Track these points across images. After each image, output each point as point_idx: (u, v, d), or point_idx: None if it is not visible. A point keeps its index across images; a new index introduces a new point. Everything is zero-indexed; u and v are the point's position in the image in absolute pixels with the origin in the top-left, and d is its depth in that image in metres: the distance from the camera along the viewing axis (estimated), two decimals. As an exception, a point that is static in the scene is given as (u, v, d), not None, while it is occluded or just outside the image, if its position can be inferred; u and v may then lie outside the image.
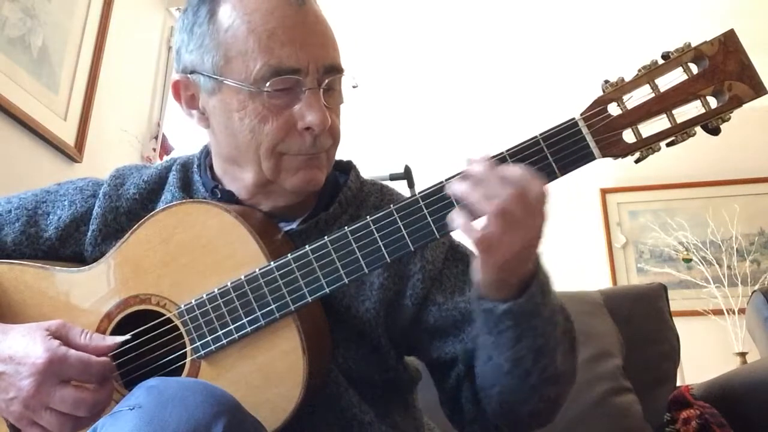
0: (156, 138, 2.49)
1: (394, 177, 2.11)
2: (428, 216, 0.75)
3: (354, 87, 0.89)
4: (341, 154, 1.01)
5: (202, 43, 0.85)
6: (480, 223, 0.70)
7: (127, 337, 0.80)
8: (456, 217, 0.71)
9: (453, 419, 0.92)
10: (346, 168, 0.98)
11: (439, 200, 0.75)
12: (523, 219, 0.69)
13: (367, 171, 1.09)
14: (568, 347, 0.82)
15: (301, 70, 0.82)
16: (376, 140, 3.71)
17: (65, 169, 2.03)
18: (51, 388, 0.72)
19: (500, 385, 0.81)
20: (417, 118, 3.88)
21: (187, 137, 2.61)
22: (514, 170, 0.70)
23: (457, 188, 0.72)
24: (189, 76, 0.88)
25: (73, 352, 0.73)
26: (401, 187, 1.87)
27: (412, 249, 0.76)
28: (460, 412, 0.89)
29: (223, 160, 0.91)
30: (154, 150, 2.47)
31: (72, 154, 2.04)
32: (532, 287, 0.74)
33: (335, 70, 0.85)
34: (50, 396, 0.72)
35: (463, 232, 0.71)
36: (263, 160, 0.84)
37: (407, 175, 2.13)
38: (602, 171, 3.69)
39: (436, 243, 0.91)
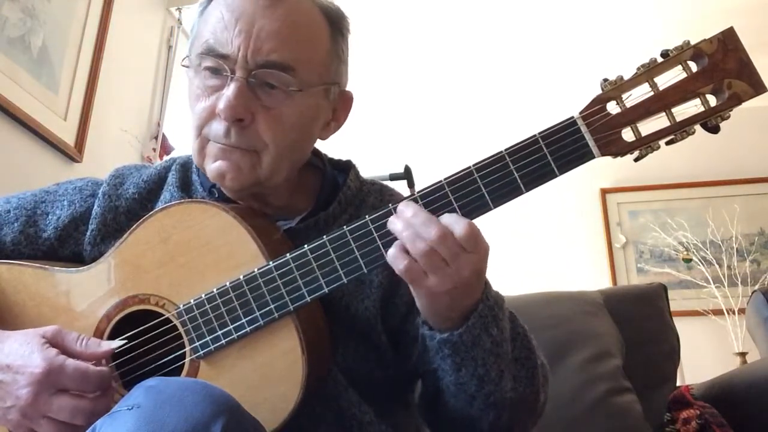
0: (156, 138, 2.49)
1: (394, 177, 2.11)
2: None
3: (298, 90, 0.83)
4: (341, 155, 1.01)
5: (192, 29, 0.90)
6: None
7: (122, 342, 0.80)
8: (392, 248, 0.74)
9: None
10: (346, 167, 0.98)
11: (437, 199, 0.75)
12: (451, 260, 0.72)
13: (367, 171, 1.09)
14: (525, 374, 0.82)
15: (230, 57, 0.81)
16: (376, 140, 3.71)
17: (65, 169, 2.03)
18: (48, 398, 0.72)
19: (449, 404, 0.83)
20: (417, 118, 3.88)
21: (187, 137, 2.61)
22: (444, 216, 0.73)
23: (393, 227, 0.74)
24: None
25: (71, 361, 0.73)
26: (401, 187, 1.87)
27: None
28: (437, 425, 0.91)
29: None
30: (154, 150, 2.46)
31: (72, 154, 2.04)
32: (470, 320, 0.76)
33: (273, 66, 0.81)
34: (48, 405, 0.72)
35: (390, 263, 0.73)
36: (193, 139, 0.86)
37: (407, 175, 2.13)
38: (602, 171, 3.70)
39: None
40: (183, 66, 0.88)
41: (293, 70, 0.82)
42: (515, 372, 0.81)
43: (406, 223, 0.73)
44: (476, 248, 0.72)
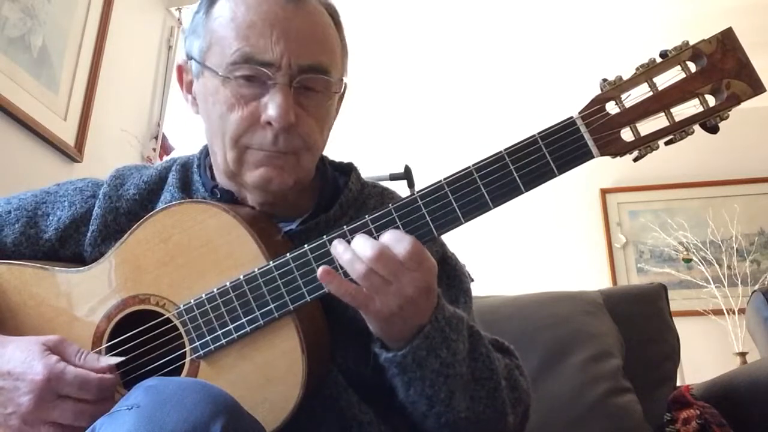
0: (156, 138, 2.49)
1: (394, 177, 2.11)
2: (426, 215, 0.75)
3: (335, 92, 0.86)
4: (341, 155, 1.01)
5: (195, 30, 0.88)
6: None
7: (122, 359, 0.80)
8: (328, 279, 0.73)
9: None
10: (347, 170, 0.98)
11: (437, 199, 0.75)
12: (393, 278, 0.72)
13: (367, 171, 1.09)
14: (485, 394, 0.81)
15: (273, 64, 0.81)
16: (376, 140, 3.72)
17: (65, 169, 2.03)
18: (49, 404, 0.72)
19: (408, 419, 0.83)
20: (417, 118, 3.88)
21: (187, 137, 2.61)
22: (385, 234, 0.73)
23: (333, 250, 0.75)
24: (188, 61, 0.90)
25: (71, 368, 0.74)
26: (401, 188, 1.87)
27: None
28: None
29: (208, 146, 0.92)
30: (154, 150, 2.47)
31: (72, 154, 2.04)
32: (414, 341, 0.75)
33: (315, 70, 0.83)
34: (49, 411, 0.72)
35: (333, 292, 0.73)
36: (228, 149, 0.84)
37: (407, 175, 2.13)
38: (602, 171, 3.70)
39: (430, 252, 0.92)
40: (198, 74, 0.86)
41: (329, 72, 0.84)
42: (473, 392, 0.80)
43: (346, 246, 0.73)
44: (419, 266, 0.73)
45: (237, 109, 0.82)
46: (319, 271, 0.74)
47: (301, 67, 0.82)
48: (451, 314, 0.79)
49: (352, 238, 0.74)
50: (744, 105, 0.72)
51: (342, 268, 0.74)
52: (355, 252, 0.72)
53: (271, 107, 0.80)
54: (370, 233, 0.76)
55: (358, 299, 0.73)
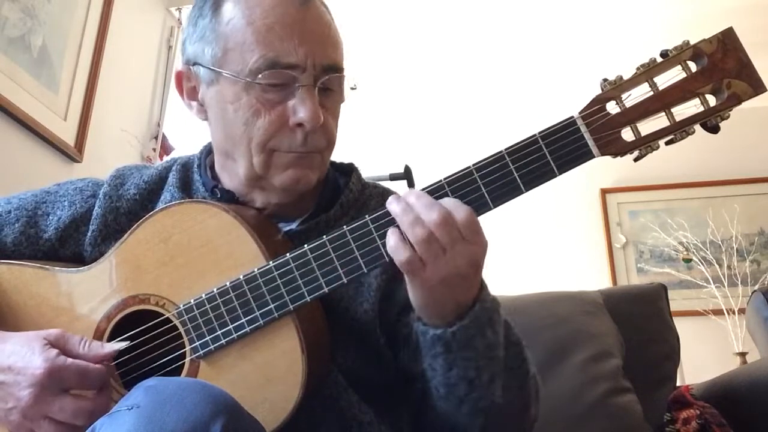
0: (156, 138, 2.50)
1: (394, 177, 2.10)
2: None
3: (352, 89, 0.89)
4: (341, 155, 1.01)
5: (204, 35, 0.86)
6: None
7: (126, 344, 0.79)
8: (390, 236, 0.72)
9: None
10: (348, 170, 0.98)
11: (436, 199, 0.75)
12: (450, 246, 0.70)
13: (367, 171, 1.09)
14: (516, 384, 0.81)
15: (299, 66, 0.82)
16: (376, 140, 3.71)
17: (65, 169, 2.03)
18: (50, 398, 0.72)
19: (437, 408, 0.82)
20: (417, 118, 3.88)
21: (187, 137, 2.61)
22: (446, 199, 0.72)
23: (391, 208, 0.73)
24: (191, 67, 0.89)
25: (71, 361, 0.74)
26: (401, 188, 1.87)
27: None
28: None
29: (219, 153, 0.91)
30: (154, 150, 2.47)
31: (72, 154, 2.04)
32: (465, 319, 0.74)
33: (334, 69, 0.85)
34: (49, 406, 0.72)
35: (391, 253, 0.72)
36: (254, 154, 0.84)
37: (407, 175, 2.13)
38: (602, 171, 3.70)
39: None
40: (211, 81, 0.86)
41: (343, 69, 0.86)
42: (506, 381, 0.80)
43: (407, 206, 0.72)
44: (475, 238, 0.72)
45: (263, 114, 0.82)
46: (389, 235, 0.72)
47: (323, 67, 0.83)
48: (493, 298, 0.79)
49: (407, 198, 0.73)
50: (744, 105, 0.72)
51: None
52: (417, 212, 0.71)
53: (302, 110, 0.81)
54: (369, 233, 0.76)
55: (413, 265, 0.71)
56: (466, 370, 0.76)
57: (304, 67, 0.82)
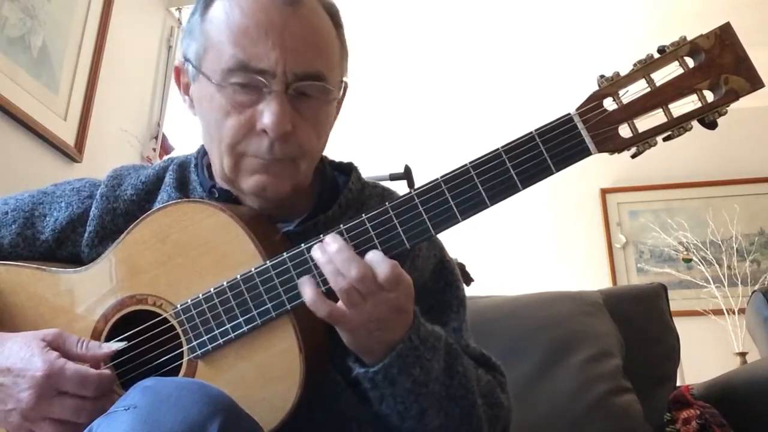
0: (156, 138, 2.50)
1: (394, 177, 2.10)
2: (424, 213, 0.75)
3: (333, 99, 0.86)
4: (341, 155, 1.01)
5: (192, 32, 0.87)
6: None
7: (123, 344, 0.79)
8: (306, 289, 0.74)
9: None
10: (347, 170, 0.97)
11: (434, 197, 0.75)
12: (370, 296, 0.72)
13: (367, 171, 1.09)
14: (459, 412, 0.81)
15: (268, 71, 0.79)
16: (376, 140, 3.71)
17: (65, 169, 2.03)
18: (49, 400, 0.72)
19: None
20: (417, 118, 3.88)
21: (187, 137, 2.61)
22: (369, 254, 0.74)
23: (315, 256, 0.75)
24: (184, 63, 0.89)
25: (71, 365, 0.73)
26: (401, 188, 1.86)
27: (408, 246, 0.75)
28: None
29: (206, 149, 0.91)
30: (154, 150, 2.47)
31: (72, 154, 2.04)
32: (386, 359, 0.76)
33: (311, 77, 0.81)
34: (49, 407, 0.72)
35: (310, 308, 0.74)
36: (224, 156, 0.83)
37: (407, 175, 2.13)
38: (602, 171, 3.70)
39: (428, 254, 0.93)
40: (194, 78, 0.86)
41: (325, 78, 0.83)
42: (447, 409, 0.80)
43: (329, 257, 0.74)
44: (395, 288, 0.73)
45: (233, 115, 0.81)
46: (302, 285, 0.75)
47: (296, 74, 0.80)
48: (428, 333, 0.79)
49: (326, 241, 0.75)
50: (744, 105, 0.72)
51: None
52: (338, 266, 0.73)
53: (267, 116, 0.79)
54: (366, 232, 0.76)
55: (335, 317, 0.74)
56: (394, 404, 0.78)
57: (273, 72, 0.79)
